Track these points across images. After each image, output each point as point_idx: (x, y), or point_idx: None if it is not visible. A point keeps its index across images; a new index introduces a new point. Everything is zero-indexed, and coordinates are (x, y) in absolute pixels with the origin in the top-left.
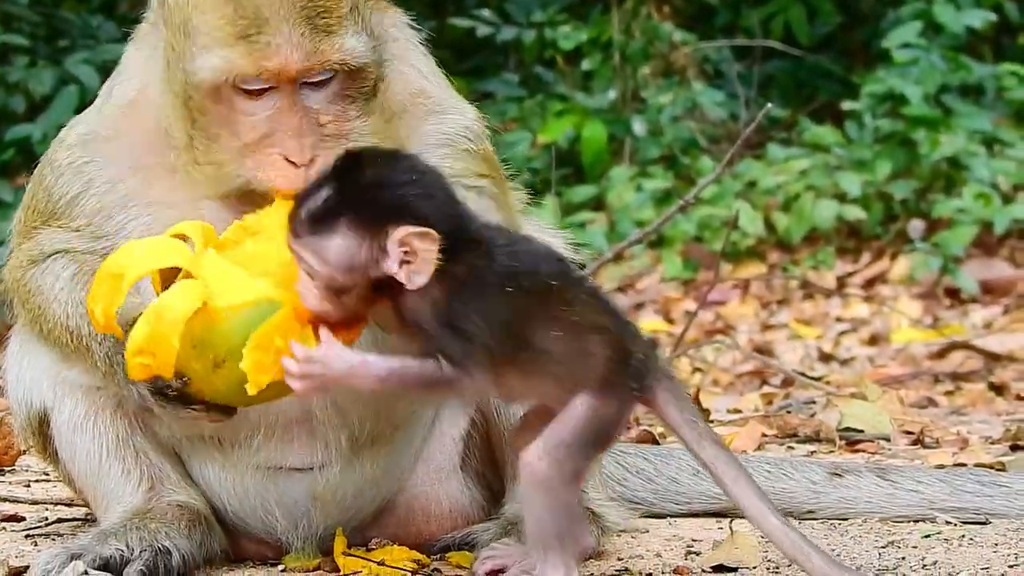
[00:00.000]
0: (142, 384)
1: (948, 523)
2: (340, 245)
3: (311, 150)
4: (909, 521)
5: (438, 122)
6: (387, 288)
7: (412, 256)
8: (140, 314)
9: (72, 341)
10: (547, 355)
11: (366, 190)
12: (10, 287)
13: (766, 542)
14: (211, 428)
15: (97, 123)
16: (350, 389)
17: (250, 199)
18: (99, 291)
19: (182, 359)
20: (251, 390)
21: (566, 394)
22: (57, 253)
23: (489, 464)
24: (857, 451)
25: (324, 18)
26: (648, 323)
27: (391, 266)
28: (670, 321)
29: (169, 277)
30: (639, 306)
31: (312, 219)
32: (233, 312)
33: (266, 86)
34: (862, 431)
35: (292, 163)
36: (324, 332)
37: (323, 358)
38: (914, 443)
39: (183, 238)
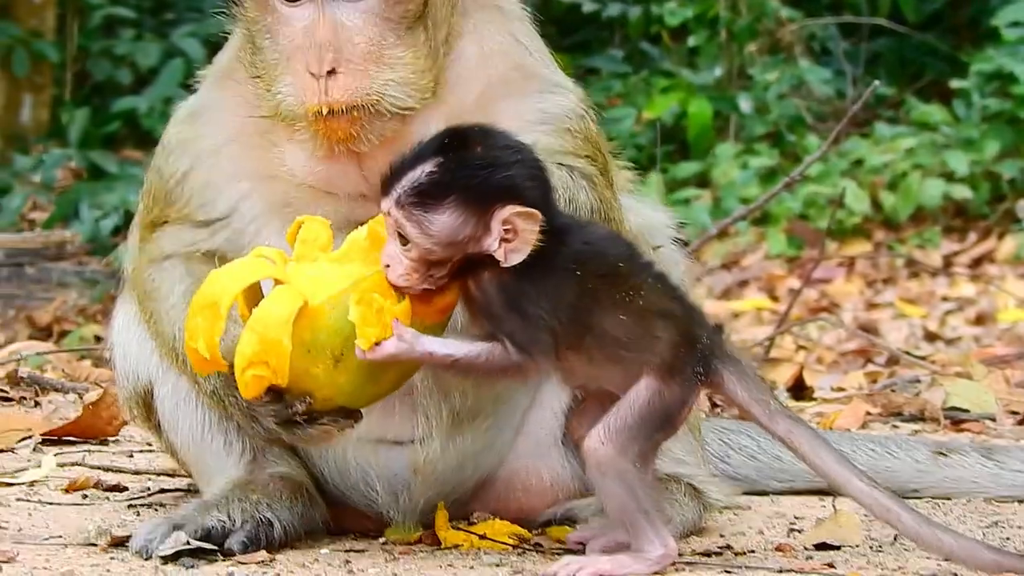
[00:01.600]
0: (266, 416)
1: None
2: (447, 220)
3: (331, 63)
4: (1014, 501)
5: (539, 100)
6: (470, 267)
7: (512, 235)
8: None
9: (179, 365)
10: (613, 339)
11: (477, 168)
12: (133, 283)
13: (869, 520)
14: (343, 437)
15: (201, 95)
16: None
17: (307, 132)
18: (196, 326)
19: (299, 369)
20: (363, 344)
21: (631, 379)
22: (175, 256)
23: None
24: (962, 430)
25: None
26: (752, 300)
27: (491, 243)
28: (774, 298)
29: (253, 299)
30: (743, 283)
31: (419, 191)
32: (334, 302)
33: None
34: (967, 411)
35: (313, 75)
36: (397, 324)
37: (397, 348)
38: (1020, 423)
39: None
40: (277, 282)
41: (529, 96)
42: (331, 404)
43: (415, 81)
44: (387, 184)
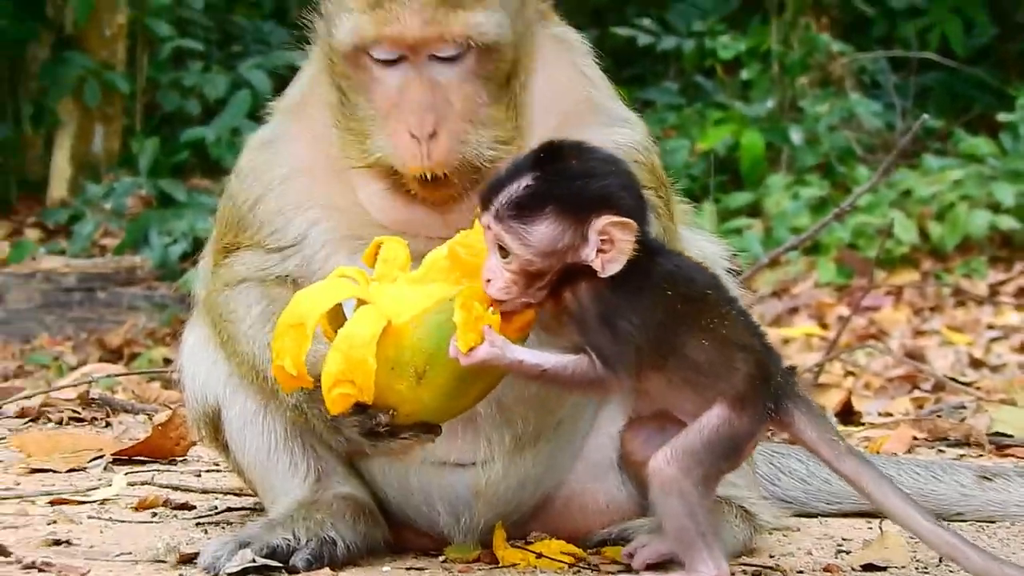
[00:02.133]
0: (350, 428)
1: None
2: (546, 230)
3: (432, 124)
4: None
5: (608, 132)
6: (567, 280)
7: (609, 245)
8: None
9: (258, 382)
10: (693, 363)
11: (573, 179)
12: (207, 307)
13: (915, 542)
14: (422, 451)
15: (272, 127)
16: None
17: (393, 180)
18: (283, 345)
19: (383, 386)
20: (461, 348)
21: (703, 405)
22: (249, 280)
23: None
24: (1006, 455)
25: None
26: (802, 327)
27: (588, 253)
28: (824, 326)
29: (336, 319)
30: (794, 310)
31: (518, 204)
32: (417, 322)
33: (396, 55)
34: (1011, 436)
35: (415, 137)
36: (489, 330)
37: (489, 354)
38: None
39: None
40: (360, 302)
41: (598, 129)
42: (413, 419)
43: (508, 135)
44: (486, 199)
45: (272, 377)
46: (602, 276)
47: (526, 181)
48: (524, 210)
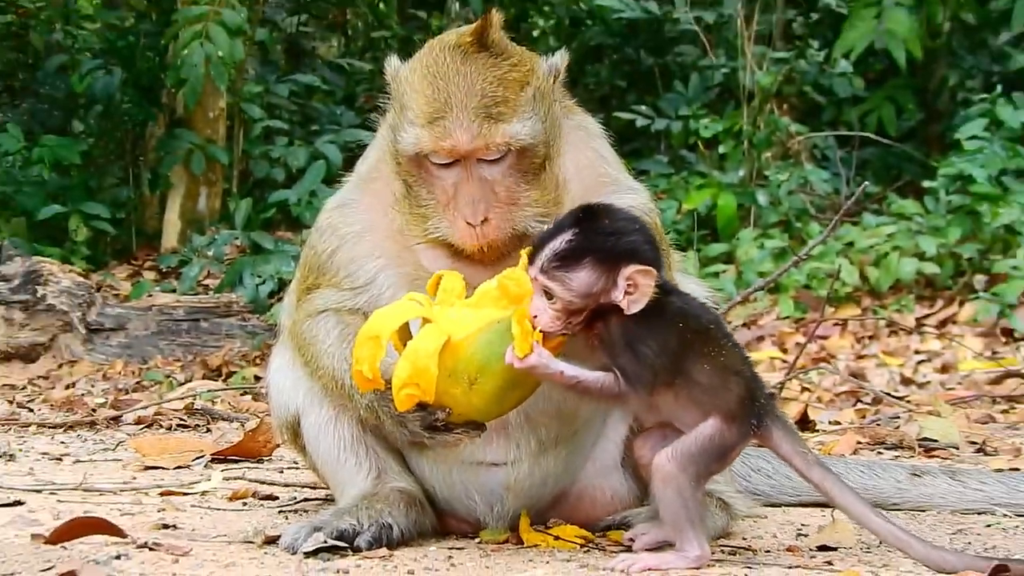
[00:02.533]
0: (413, 422)
1: (1006, 515)
2: (584, 277)
3: (484, 212)
4: (975, 513)
5: (616, 197)
6: (599, 314)
7: (634, 288)
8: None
9: (337, 389)
10: (697, 384)
11: (606, 236)
12: (292, 333)
13: (860, 528)
14: (470, 446)
15: (346, 192)
16: (550, 385)
17: (450, 249)
18: (362, 353)
19: (441, 390)
20: (519, 353)
21: (702, 417)
22: (328, 311)
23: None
24: (932, 457)
25: (498, 108)
26: (767, 352)
27: (617, 295)
28: (784, 351)
29: (404, 335)
30: (760, 338)
31: (561, 256)
32: (472, 338)
33: (450, 160)
34: (936, 441)
35: (469, 224)
36: (539, 345)
37: (536, 361)
38: (978, 451)
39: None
40: (424, 320)
41: (612, 197)
42: (464, 419)
43: (546, 209)
44: (532, 255)
45: (350, 383)
46: (627, 313)
47: (567, 237)
48: (566, 261)
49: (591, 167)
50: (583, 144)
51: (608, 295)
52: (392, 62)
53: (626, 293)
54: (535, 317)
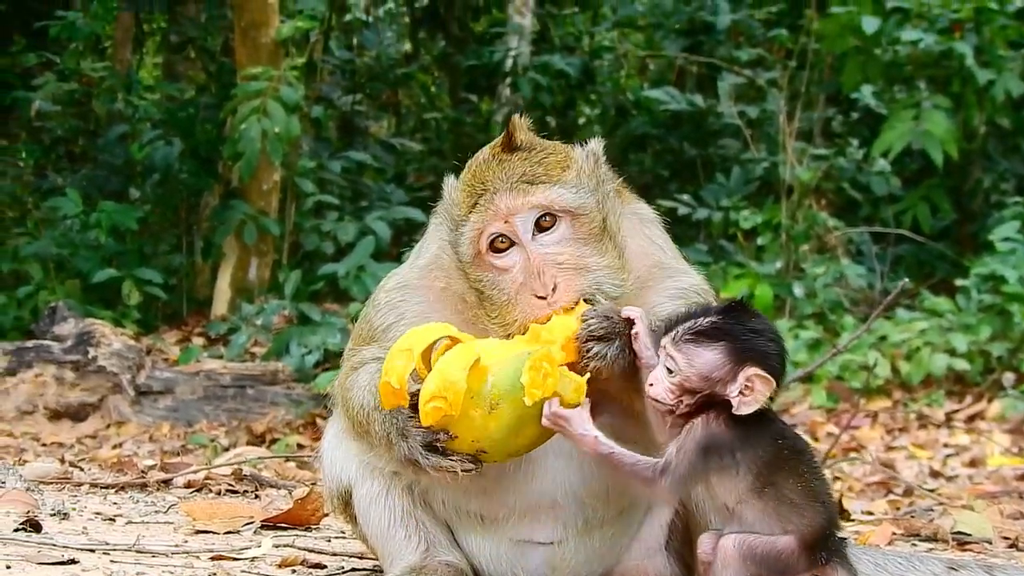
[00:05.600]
0: (415, 437)
1: None
2: (711, 358)
3: (551, 282)
4: None
5: (673, 281)
6: (706, 406)
7: (749, 391)
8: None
9: (360, 415)
10: (786, 500)
11: (746, 330)
12: (336, 390)
13: None
14: (462, 479)
15: (408, 275)
16: (575, 446)
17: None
18: (393, 365)
19: (461, 411)
20: (528, 400)
21: (780, 532)
22: (374, 360)
23: (686, 546)
24: (966, 550)
25: (537, 178)
26: None
27: (732, 390)
28: (816, 439)
29: (429, 361)
30: (792, 427)
31: (697, 331)
32: (500, 363)
33: (505, 242)
34: (970, 535)
35: (540, 297)
36: (579, 410)
37: (572, 417)
38: (1011, 546)
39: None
40: (453, 341)
41: (665, 281)
42: (475, 447)
43: (616, 274)
44: (670, 325)
45: (370, 408)
46: (735, 413)
47: (712, 318)
48: (700, 338)
49: (645, 253)
50: (636, 231)
51: (724, 387)
52: (449, 182)
53: (740, 392)
54: (651, 385)
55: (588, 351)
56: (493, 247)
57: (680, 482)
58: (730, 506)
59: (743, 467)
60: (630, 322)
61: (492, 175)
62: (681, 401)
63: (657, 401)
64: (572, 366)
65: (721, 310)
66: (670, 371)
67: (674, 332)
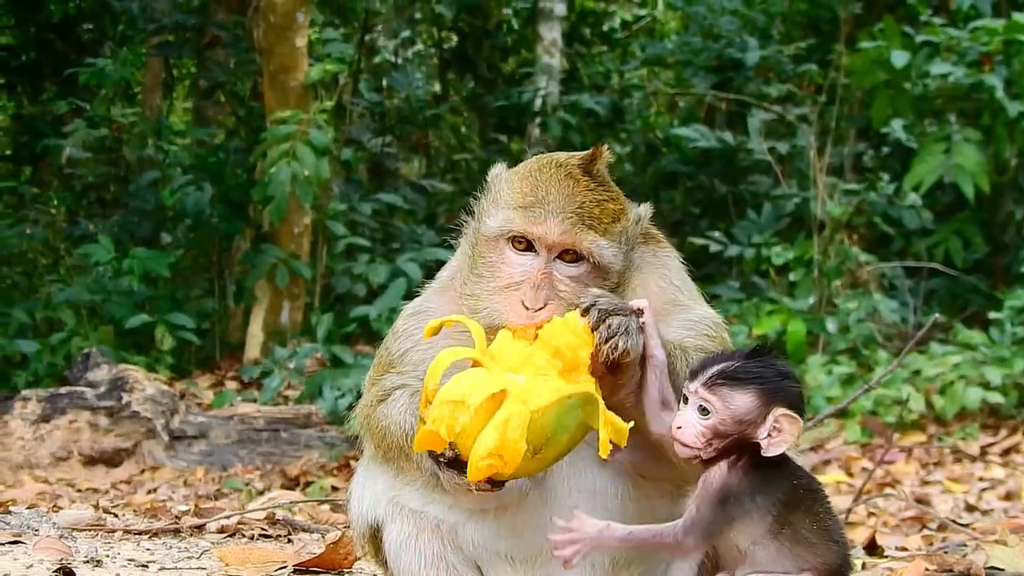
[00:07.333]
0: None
1: None
2: (743, 401)
3: (543, 301)
4: None
5: (684, 315)
6: (731, 451)
7: (777, 432)
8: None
9: (398, 443)
10: (803, 540)
11: (775, 374)
12: (361, 423)
13: None
14: (480, 498)
15: (422, 302)
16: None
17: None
18: (440, 414)
19: None
20: (602, 454)
21: (794, 569)
22: (397, 388)
23: None
24: None
25: (591, 219)
26: (833, 476)
27: (761, 432)
28: (850, 474)
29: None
30: (827, 462)
31: (730, 375)
32: (546, 412)
33: (530, 247)
34: (1003, 570)
35: (525, 306)
36: (577, 512)
37: (578, 528)
38: None
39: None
40: (475, 363)
41: (677, 314)
42: (513, 477)
43: None
44: (697, 371)
45: (409, 439)
46: (764, 454)
47: (740, 363)
48: (734, 382)
49: (661, 291)
50: (655, 275)
51: (754, 429)
52: (497, 168)
53: (769, 434)
54: (679, 428)
55: (610, 334)
56: (515, 242)
57: (704, 536)
58: (743, 548)
59: (762, 511)
60: (639, 312)
61: (556, 189)
62: (711, 445)
63: (685, 446)
64: (594, 365)
65: (748, 354)
66: (705, 413)
67: (704, 376)
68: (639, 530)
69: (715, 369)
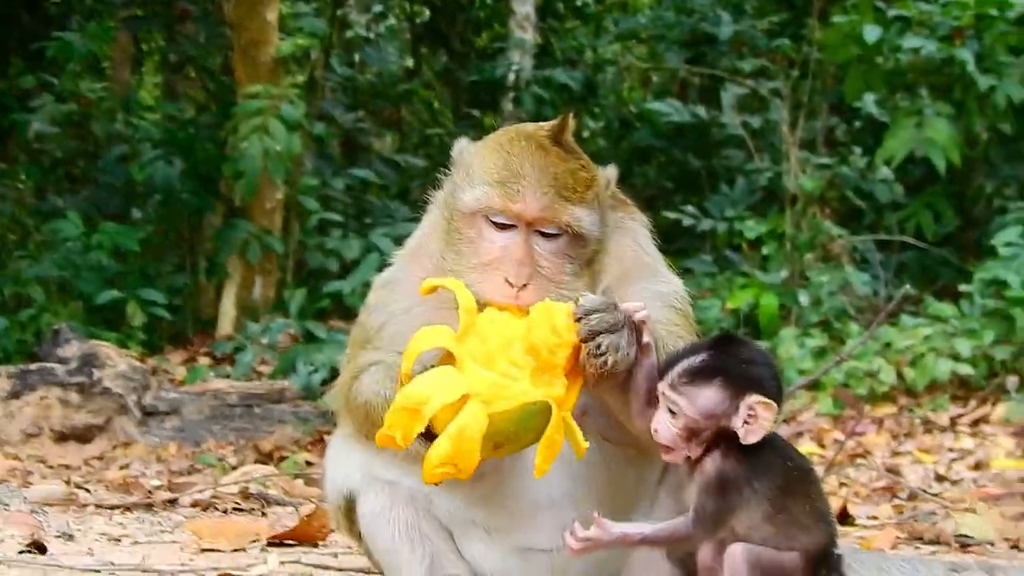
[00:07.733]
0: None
1: None
2: (711, 395)
3: (527, 278)
4: None
5: (652, 283)
6: (715, 443)
7: (753, 419)
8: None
9: (374, 420)
10: (796, 522)
11: (739, 362)
12: (338, 400)
13: None
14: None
15: (393, 270)
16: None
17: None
18: (397, 421)
19: None
20: (536, 475)
21: (784, 547)
22: (372, 364)
23: (689, 553)
24: (968, 552)
25: (567, 190)
26: (805, 447)
27: (736, 422)
28: (822, 446)
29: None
30: (799, 434)
31: (692, 372)
32: (507, 416)
33: (509, 223)
34: (972, 537)
35: (509, 284)
36: (598, 518)
37: (597, 536)
38: (1013, 547)
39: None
40: (447, 356)
41: (645, 282)
42: (468, 477)
43: (577, 293)
44: (663, 371)
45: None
46: (743, 442)
47: (702, 357)
48: (697, 378)
49: (631, 255)
50: (627, 240)
51: (729, 420)
52: (461, 142)
53: (745, 422)
54: (656, 431)
55: (599, 352)
56: (492, 218)
57: (713, 523)
58: (739, 532)
59: (759, 496)
60: (637, 325)
61: (529, 161)
62: (690, 443)
63: (666, 448)
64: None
65: (710, 345)
66: (673, 415)
67: (669, 377)
68: (654, 530)
69: (678, 368)
